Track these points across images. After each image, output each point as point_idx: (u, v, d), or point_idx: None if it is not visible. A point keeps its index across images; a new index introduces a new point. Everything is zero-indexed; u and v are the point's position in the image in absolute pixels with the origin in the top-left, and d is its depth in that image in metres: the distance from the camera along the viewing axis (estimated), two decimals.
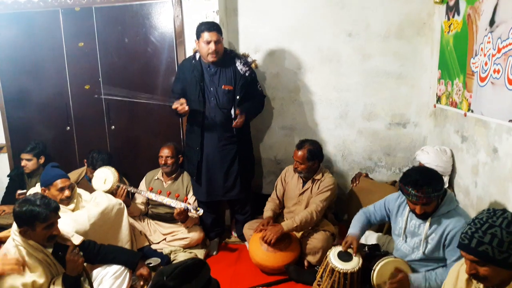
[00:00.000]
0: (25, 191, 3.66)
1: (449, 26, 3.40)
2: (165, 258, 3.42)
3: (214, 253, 3.72)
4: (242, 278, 3.27)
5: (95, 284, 2.64)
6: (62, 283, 2.43)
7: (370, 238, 3.10)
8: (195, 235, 3.63)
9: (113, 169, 3.53)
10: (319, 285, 2.75)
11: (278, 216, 3.65)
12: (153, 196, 3.46)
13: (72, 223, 2.83)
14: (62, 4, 4.01)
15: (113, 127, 4.19)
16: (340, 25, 3.97)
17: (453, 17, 3.33)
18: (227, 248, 3.83)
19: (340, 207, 4.04)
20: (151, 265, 3.19)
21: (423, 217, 2.50)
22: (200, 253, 3.57)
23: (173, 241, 3.64)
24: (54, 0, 4.01)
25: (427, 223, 2.49)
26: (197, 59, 3.53)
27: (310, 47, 4.05)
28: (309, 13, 3.98)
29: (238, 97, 3.49)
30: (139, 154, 4.23)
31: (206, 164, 3.61)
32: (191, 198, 3.72)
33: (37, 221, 2.34)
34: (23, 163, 3.95)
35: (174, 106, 3.40)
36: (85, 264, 2.54)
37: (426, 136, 4.08)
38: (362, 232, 2.84)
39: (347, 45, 4.00)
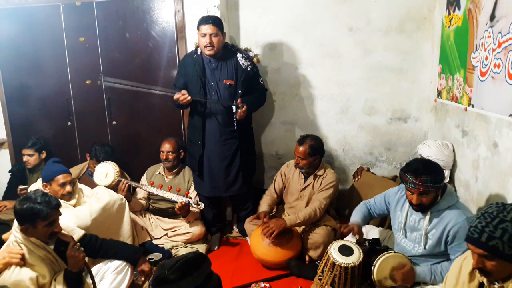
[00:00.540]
0: (26, 186, 3.67)
1: (450, 21, 3.39)
2: (167, 253, 3.44)
3: (216, 248, 3.73)
4: (244, 273, 3.27)
5: (96, 279, 2.65)
6: (64, 279, 2.44)
7: (372, 232, 3.10)
8: (197, 230, 3.63)
9: (114, 164, 3.54)
10: (320, 279, 2.75)
11: (273, 212, 3.67)
12: (154, 190, 3.47)
13: (73, 219, 2.83)
14: None
15: (114, 122, 4.19)
16: (341, 19, 3.96)
17: (453, 11, 3.32)
18: (229, 243, 3.84)
19: (341, 202, 4.04)
20: (152, 260, 3.22)
21: (419, 209, 2.49)
22: (201, 248, 3.57)
23: (174, 236, 3.65)
24: None
25: (427, 218, 2.49)
26: (198, 53, 3.52)
27: (311, 42, 4.05)
28: (311, 8, 3.97)
29: (240, 91, 3.48)
30: (140, 149, 4.24)
31: (207, 158, 3.60)
32: (193, 192, 3.73)
33: (38, 219, 2.32)
34: (25, 158, 3.95)
35: (175, 97, 3.39)
36: (86, 259, 2.54)
37: (426, 131, 4.08)
38: (364, 222, 2.84)
39: (348, 40, 4.00)
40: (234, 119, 3.49)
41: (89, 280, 2.57)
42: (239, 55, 3.54)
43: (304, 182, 3.51)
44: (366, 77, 4.05)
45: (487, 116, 2.78)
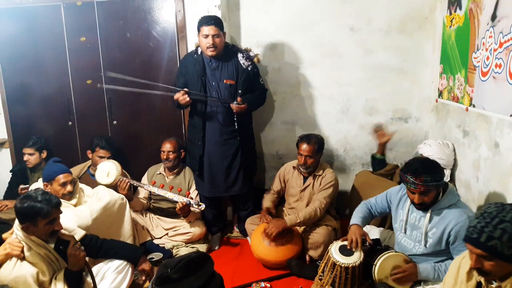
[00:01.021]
0: (27, 185, 3.67)
1: (451, 21, 3.39)
2: (167, 253, 3.44)
3: (216, 247, 3.73)
4: (244, 272, 3.27)
5: (97, 279, 2.65)
6: (64, 278, 2.44)
7: (372, 232, 3.10)
8: (197, 230, 3.63)
9: (116, 163, 3.53)
10: (320, 279, 2.76)
11: (277, 210, 3.67)
12: (155, 190, 3.47)
13: (74, 218, 2.84)
14: None
15: (115, 122, 4.19)
16: (342, 19, 3.96)
17: (455, 11, 3.32)
18: (229, 242, 3.84)
19: (342, 202, 4.04)
20: (153, 260, 3.22)
21: (422, 207, 2.50)
22: (202, 248, 3.58)
23: (175, 236, 3.65)
24: None
25: (427, 216, 2.49)
26: (198, 53, 3.52)
27: (311, 41, 4.05)
28: (311, 8, 3.97)
29: (240, 91, 3.48)
30: (141, 149, 4.23)
31: (208, 158, 3.60)
32: (193, 192, 3.73)
33: (39, 217, 2.33)
34: (26, 157, 3.96)
35: (175, 97, 3.39)
36: (87, 258, 2.54)
37: (427, 131, 4.08)
38: (364, 223, 2.84)
39: (348, 40, 4.00)
40: (235, 119, 3.49)
41: (89, 279, 2.57)
42: (239, 55, 3.54)
43: (304, 183, 3.51)
44: (367, 77, 4.04)
45: (488, 116, 2.78)
